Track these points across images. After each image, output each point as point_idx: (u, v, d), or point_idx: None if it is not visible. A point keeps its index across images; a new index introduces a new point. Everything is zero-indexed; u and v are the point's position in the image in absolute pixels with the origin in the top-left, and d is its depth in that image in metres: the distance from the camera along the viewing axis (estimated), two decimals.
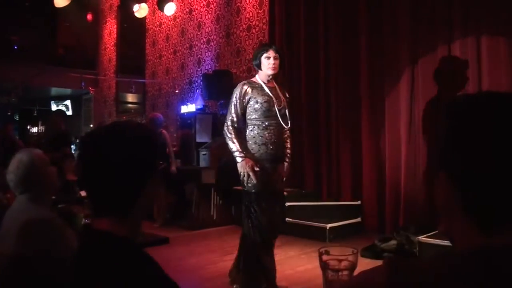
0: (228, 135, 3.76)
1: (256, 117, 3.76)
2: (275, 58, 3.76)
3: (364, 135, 6.26)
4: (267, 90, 3.79)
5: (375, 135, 6.21)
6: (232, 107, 3.79)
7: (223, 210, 7.46)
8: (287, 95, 3.98)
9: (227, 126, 3.78)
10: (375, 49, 6.22)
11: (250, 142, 3.79)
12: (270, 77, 3.82)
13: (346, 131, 6.52)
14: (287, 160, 3.86)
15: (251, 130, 3.80)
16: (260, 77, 3.85)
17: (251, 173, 3.65)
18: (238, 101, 3.78)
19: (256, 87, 3.82)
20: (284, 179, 3.93)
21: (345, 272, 1.28)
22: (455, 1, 5.38)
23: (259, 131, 3.76)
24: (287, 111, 3.87)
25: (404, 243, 5.07)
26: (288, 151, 3.90)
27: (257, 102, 3.76)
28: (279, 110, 3.77)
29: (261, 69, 3.82)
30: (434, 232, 4.68)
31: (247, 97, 3.78)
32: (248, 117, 3.81)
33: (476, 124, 0.80)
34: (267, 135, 3.76)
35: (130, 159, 1.22)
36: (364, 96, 6.28)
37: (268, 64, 3.75)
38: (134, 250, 1.22)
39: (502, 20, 5.02)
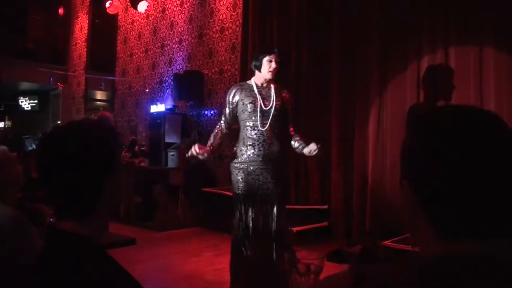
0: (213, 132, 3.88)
1: (244, 118, 3.76)
2: (276, 63, 3.76)
3: (333, 141, 6.30)
4: (255, 91, 3.79)
5: (344, 141, 6.26)
6: (225, 109, 3.87)
7: (190, 211, 7.43)
8: (286, 95, 3.93)
9: (218, 125, 3.89)
10: (347, 56, 6.29)
11: (239, 143, 3.79)
12: (267, 80, 3.81)
13: (315, 136, 6.55)
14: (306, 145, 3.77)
15: (241, 132, 3.81)
16: (256, 79, 3.85)
17: (193, 151, 3.65)
18: (227, 104, 3.83)
19: (245, 88, 3.83)
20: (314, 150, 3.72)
21: (311, 276, 1.28)
22: (424, 17, 5.49)
23: (247, 132, 3.74)
24: (288, 111, 3.89)
25: (370, 247, 5.14)
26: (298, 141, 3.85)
27: (243, 104, 3.76)
28: (266, 110, 3.73)
29: (260, 71, 3.80)
30: (399, 237, 4.75)
31: (234, 100, 3.80)
32: (239, 119, 3.82)
33: (436, 136, 0.82)
34: (254, 135, 3.72)
35: (87, 158, 1.20)
36: (334, 102, 6.33)
37: (269, 67, 3.76)
38: (96, 251, 1.20)
39: (469, 34, 5.15)
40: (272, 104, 3.76)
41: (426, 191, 0.82)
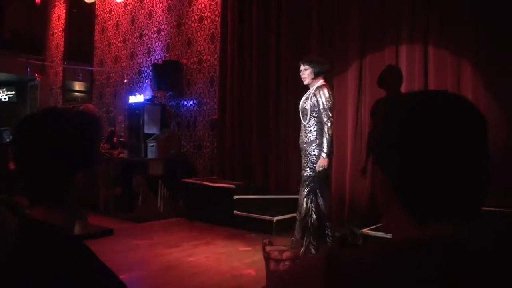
0: None
1: None
2: (304, 70, 4.77)
3: None
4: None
5: None
6: None
7: (170, 202, 7.41)
8: (317, 94, 4.66)
9: None
10: (325, 46, 6.29)
11: None
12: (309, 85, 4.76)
13: (294, 125, 6.56)
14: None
15: None
16: None
17: None
18: None
19: None
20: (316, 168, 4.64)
21: (287, 263, 1.28)
22: (404, 5, 5.52)
23: None
24: (313, 109, 4.66)
25: (348, 235, 5.18)
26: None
27: None
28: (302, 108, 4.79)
29: None
30: (378, 225, 4.80)
31: None
32: None
33: (406, 121, 0.82)
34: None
35: (62, 144, 1.18)
36: None
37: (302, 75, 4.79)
38: (69, 239, 1.19)
39: (448, 26, 5.19)
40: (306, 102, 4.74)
41: (397, 177, 0.82)
